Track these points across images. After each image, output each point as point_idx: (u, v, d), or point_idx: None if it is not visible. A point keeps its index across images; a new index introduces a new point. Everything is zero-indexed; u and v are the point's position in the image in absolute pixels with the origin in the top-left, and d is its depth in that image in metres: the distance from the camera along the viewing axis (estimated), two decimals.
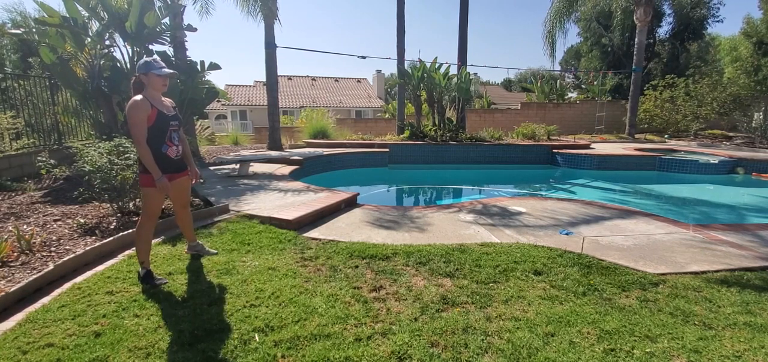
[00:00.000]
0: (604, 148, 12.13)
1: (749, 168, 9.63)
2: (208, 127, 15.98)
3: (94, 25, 7.44)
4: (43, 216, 4.57)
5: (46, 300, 2.76)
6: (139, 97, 2.85)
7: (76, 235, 3.97)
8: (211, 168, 8.20)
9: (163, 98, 3.05)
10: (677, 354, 2.22)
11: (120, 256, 3.51)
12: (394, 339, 2.30)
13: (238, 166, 7.77)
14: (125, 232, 3.86)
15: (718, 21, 23.82)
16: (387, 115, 22.85)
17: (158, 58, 3.02)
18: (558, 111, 19.24)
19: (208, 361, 2.13)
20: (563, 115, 18.85)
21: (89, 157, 4.24)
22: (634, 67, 15.62)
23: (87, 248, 3.46)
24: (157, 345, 2.24)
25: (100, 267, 3.28)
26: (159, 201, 3.03)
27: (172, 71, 3.05)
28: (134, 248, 3.66)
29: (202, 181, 3.70)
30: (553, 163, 11.27)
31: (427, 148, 11.36)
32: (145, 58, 2.94)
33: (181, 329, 2.39)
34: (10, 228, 4.03)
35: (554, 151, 11.29)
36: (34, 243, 3.62)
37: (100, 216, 4.54)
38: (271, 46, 11.24)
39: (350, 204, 5.41)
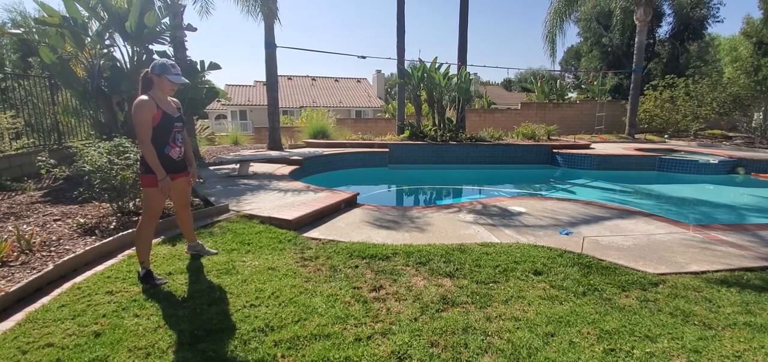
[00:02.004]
0: (604, 148, 12.13)
1: (749, 168, 9.63)
2: (208, 126, 15.97)
3: (94, 25, 7.43)
4: (43, 216, 4.57)
5: (45, 300, 2.76)
6: (145, 97, 2.83)
7: (75, 235, 3.97)
8: (211, 168, 8.20)
9: (168, 98, 3.05)
10: (677, 354, 2.22)
11: (120, 256, 3.51)
12: (394, 339, 2.30)
13: (238, 165, 7.76)
14: (125, 232, 3.86)
15: (718, 21, 23.84)
16: (387, 115, 22.84)
17: (176, 64, 3.00)
18: (558, 111, 19.24)
19: (208, 361, 2.13)
20: (563, 115, 18.85)
21: (89, 157, 4.24)
22: (634, 67, 15.63)
23: (87, 248, 3.46)
24: (157, 345, 2.24)
25: (100, 267, 3.27)
26: (160, 201, 3.02)
27: (186, 80, 3.05)
28: (134, 248, 3.67)
29: (201, 181, 3.68)
30: (553, 163, 11.27)
31: (427, 148, 11.36)
32: (162, 60, 2.93)
33: (181, 329, 2.39)
34: (10, 228, 4.03)
35: (554, 151, 11.29)
36: (34, 243, 3.62)
37: (100, 216, 4.54)
38: (271, 46, 11.24)
39: (350, 204, 5.41)
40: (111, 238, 3.70)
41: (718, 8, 23.47)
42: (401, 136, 12.79)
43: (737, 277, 3.25)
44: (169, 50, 8.55)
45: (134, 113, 2.80)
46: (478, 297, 2.83)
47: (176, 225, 4.37)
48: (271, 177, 7.23)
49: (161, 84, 2.89)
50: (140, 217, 3.05)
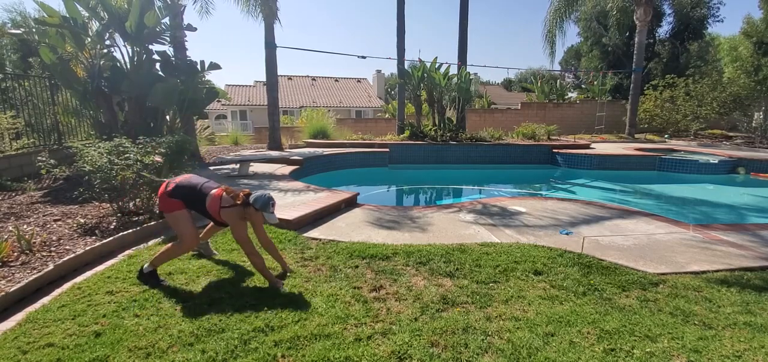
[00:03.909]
0: (604, 147, 12.13)
1: (749, 168, 9.63)
2: (208, 126, 15.95)
3: (94, 25, 7.42)
4: (43, 216, 4.57)
5: (46, 300, 2.77)
6: (240, 212, 2.92)
7: (76, 235, 3.97)
8: (211, 168, 8.20)
9: None
10: (677, 354, 2.22)
11: (120, 256, 3.51)
12: (394, 339, 2.30)
13: (238, 165, 7.76)
14: (125, 232, 3.86)
15: (718, 21, 23.86)
16: (387, 115, 22.84)
17: (275, 203, 3.06)
18: (558, 111, 19.23)
19: (208, 361, 2.13)
20: (563, 115, 18.85)
21: (89, 157, 4.24)
22: (634, 67, 15.62)
23: (87, 248, 3.46)
24: (157, 345, 2.24)
25: (100, 267, 3.28)
26: (190, 223, 3.01)
27: (277, 220, 3.11)
28: (134, 248, 3.68)
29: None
30: (553, 162, 11.27)
31: (427, 148, 11.36)
32: (266, 197, 2.98)
33: (181, 329, 2.39)
34: (10, 228, 4.03)
35: (554, 150, 11.29)
36: (34, 243, 3.62)
37: (100, 216, 4.54)
38: (271, 46, 11.24)
39: (350, 204, 5.41)
40: (111, 238, 3.70)
41: (718, 8, 23.50)
42: (401, 136, 12.78)
43: (737, 277, 3.25)
44: (169, 50, 8.55)
45: (236, 225, 2.92)
46: (478, 297, 2.83)
47: None
48: (272, 177, 7.23)
49: (256, 216, 2.97)
50: (178, 240, 3.02)
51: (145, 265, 2.99)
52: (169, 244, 3.05)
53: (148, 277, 2.94)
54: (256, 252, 2.96)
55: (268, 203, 2.95)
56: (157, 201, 3.04)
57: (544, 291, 2.95)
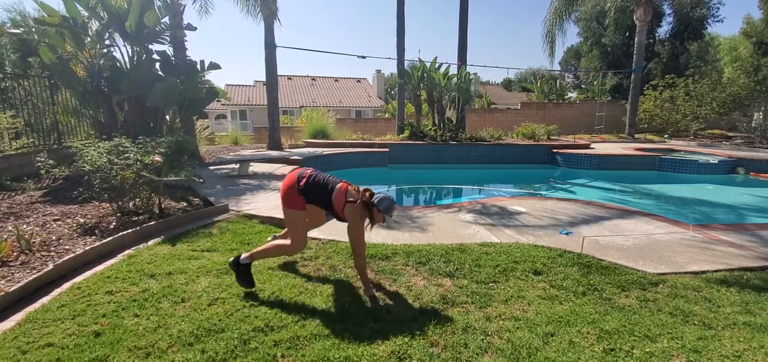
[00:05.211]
0: (604, 147, 12.13)
1: (749, 168, 9.64)
2: (208, 126, 15.94)
3: (94, 25, 7.42)
4: (43, 215, 4.57)
5: (45, 299, 2.76)
6: (361, 207, 2.87)
7: (75, 235, 3.97)
8: (211, 167, 8.20)
9: None
10: (677, 354, 2.22)
11: (120, 256, 3.50)
12: (394, 339, 2.30)
13: (237, 165, 7.76)
14: (125, 232, 3.86)
15: (718, 21, 23.88)
16: (387, 115, 22.85)
17: (395, 208, 3.00)
18: (558, 111, 19.23)
19: (208, 361, 2.13)
20: (563, 115, 18.85)
21: (89, 157, 4.23)
22: (634, 67, 15.63)
23: (87, 248, 3.46)
24: (157, 345, 2.24)
25: (99, 267, 3.27)
26: (304, 222, 2.97)
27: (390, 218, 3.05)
28: (134, 248, 3.67)
29: (201, 180, 3.60)
30: (553, 162, 11.28)
31: (427, 148, 11.36)
32: (389, 199, 2.90)
33: (180, 329, 2.39)
34: (10, 227, 4.03)
35: (554, 150, 11.29)
36: (34, 242, 3.62)
37: (100, 216, 4.54)
38: (271, 46, 11.24)
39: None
40: (111, 238, 3.70)
41: (718, 8, 23.52)
42: (401, 135, 12.79)
43: (737, 277, 3.25)
44: (169, 50, 8.55)
45: (356, 226, 2.85)
46: (477, 297, 2.83)
47: (176, 226, 4.38)
48: (271, 177, 7.23)
49: (378, 217, 2.92)
50: (290, 240, 2.97)
51: (244, 255, 2.92)
52: (277, 242, 2.99)
53: (242, 269, 2.89)
54: (363, 254, 2.92)
55: (391, 207, 2.90)
56: (281, 189, 2.97)
57: (543, 291, 2.95)
